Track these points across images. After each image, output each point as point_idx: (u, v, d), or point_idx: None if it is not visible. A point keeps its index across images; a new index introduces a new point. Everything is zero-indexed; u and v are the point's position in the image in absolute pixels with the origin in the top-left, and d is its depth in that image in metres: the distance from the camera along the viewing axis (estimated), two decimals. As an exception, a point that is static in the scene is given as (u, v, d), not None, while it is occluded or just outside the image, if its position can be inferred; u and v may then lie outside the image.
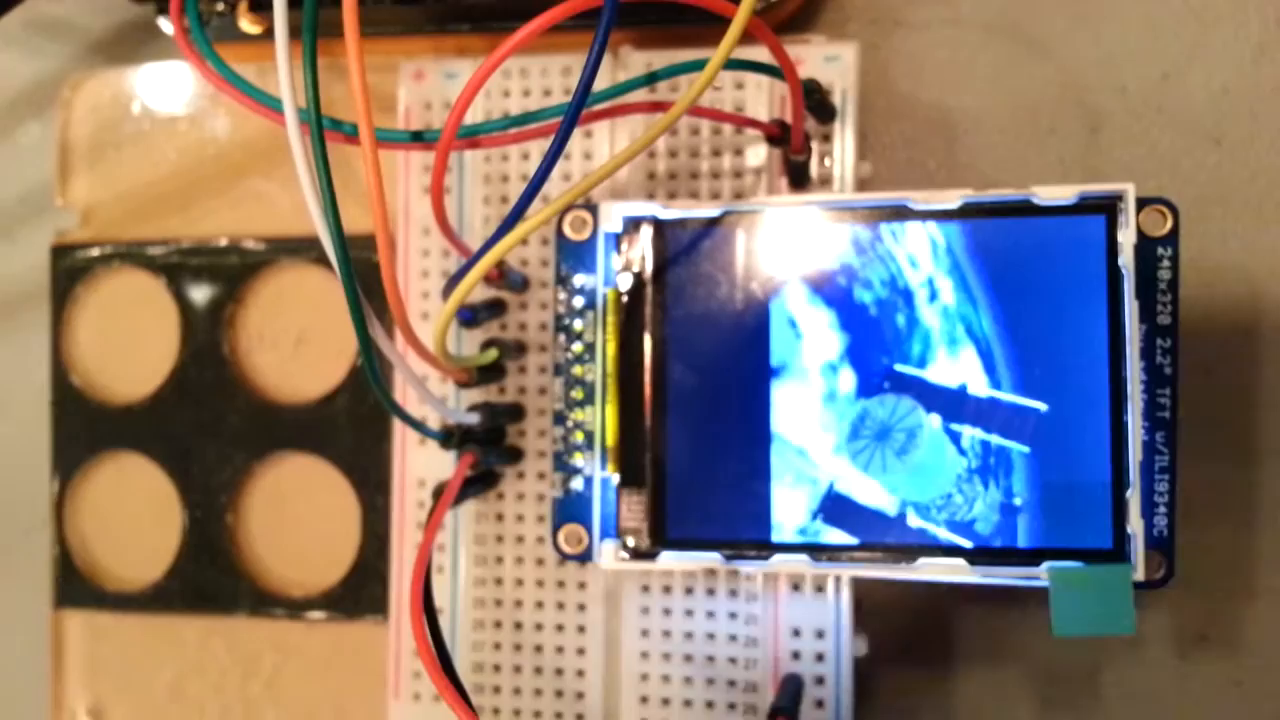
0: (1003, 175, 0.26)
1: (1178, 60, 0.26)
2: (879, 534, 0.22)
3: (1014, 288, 0.22)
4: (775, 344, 0.23)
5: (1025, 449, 0.22)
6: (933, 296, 0.22)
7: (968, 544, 0.22)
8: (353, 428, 0.28)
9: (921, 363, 0.22)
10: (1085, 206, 0.22)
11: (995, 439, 0.22)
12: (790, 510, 0.22)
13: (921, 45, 0.27)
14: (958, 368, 0.22)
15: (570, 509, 0.24)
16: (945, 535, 0.22)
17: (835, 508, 0.22)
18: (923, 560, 0.22)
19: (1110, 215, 0.21)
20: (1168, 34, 0.26)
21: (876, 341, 0.22)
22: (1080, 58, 0.26)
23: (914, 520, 0.22)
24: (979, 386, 0.22)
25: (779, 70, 0.22)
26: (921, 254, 0.22)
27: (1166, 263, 0.21)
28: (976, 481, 0.22)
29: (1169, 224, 0.21)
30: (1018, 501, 0.22)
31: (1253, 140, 0.26)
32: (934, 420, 0.22)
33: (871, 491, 0.22)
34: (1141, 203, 0.21)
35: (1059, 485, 0.21)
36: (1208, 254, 0.26)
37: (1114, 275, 0.21)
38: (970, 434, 0.22)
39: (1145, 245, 0.21)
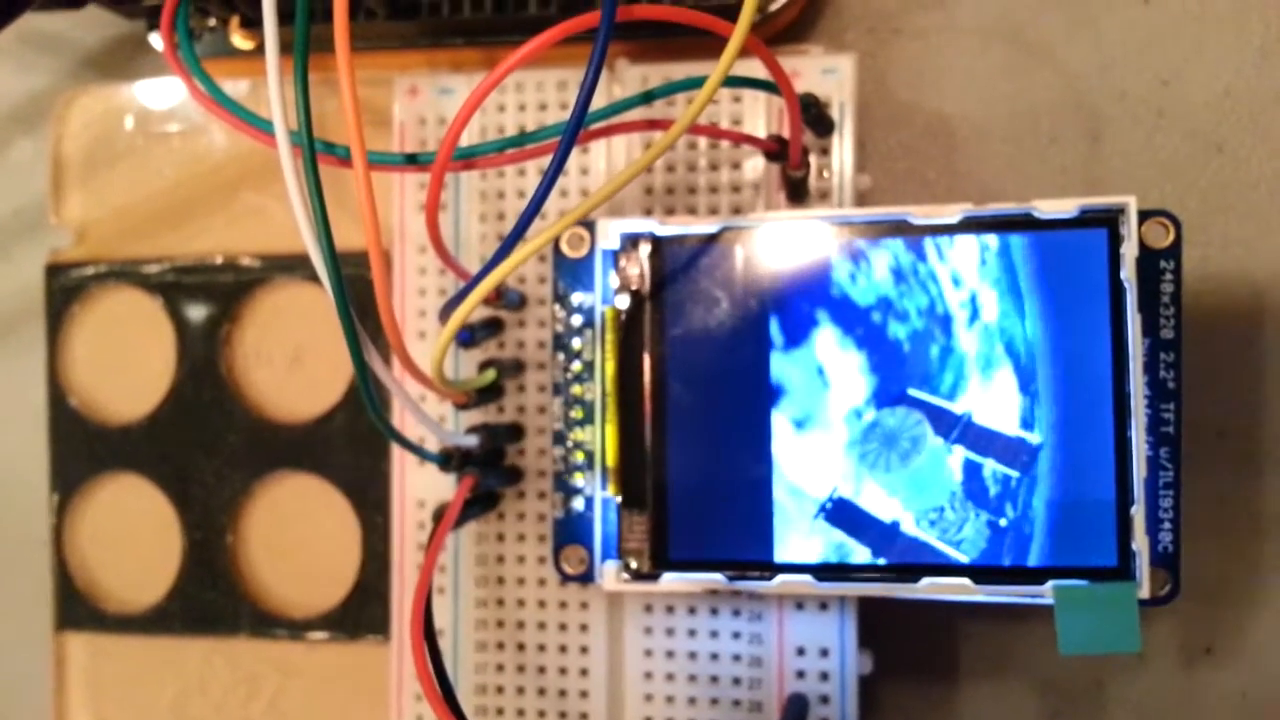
0: (1003, 184, 0.26)
1: (1178, 66, 0.26)
2: (874, 539, 0.22)
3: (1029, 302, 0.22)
4: (799, 395, 0.22)
5: (1016, 474, 0.21)
6: (974, 316, 0.22)
7: (961, 558, 0.22)
8: (351, 446, 0.28)
9: (952, 393, 0.22)
10: (1087, 219, 0.21)
11: (989, 463, 0.22)
12: (793, 522, 0.22)
13: (920, 53, 0.27)
14: (988, 394, 0.22)
15: (571, 529, 0.23)
16: (938, 546, 0.22)
17: (837, 511, 0.22)
18: (927, 580, 0.22)
19: (1112, 228, 0.21)
20: (1168, 40, 0.26)
21: (903, 371, 0.22)
22: (1080, 64, 0.26)
23: (909, 528, 0.22)
24: (993, 414, 0.22)
25: (776, 86, 0.21)
26: (967, 267, 0.22)
27: (1169, 275, 0.21)
28: (969, 502, 0.22)
29: (1171, 236, 0.21)
30: (1003, 523, 0.22)
31: (1254, 146, 0.26)
32: (937, 439, 0.22)
33: (872, 494, 0.22)
34: (1143, 215, 0.21)
35: (1056, 505, 0.21)
36: (1210, 261, 0.25)
37: (1116, 288, 0.21)
38: (967, 456, 0.22)
39: (1147, 258, 0.21)
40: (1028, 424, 0.21)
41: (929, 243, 0.22)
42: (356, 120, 0.18)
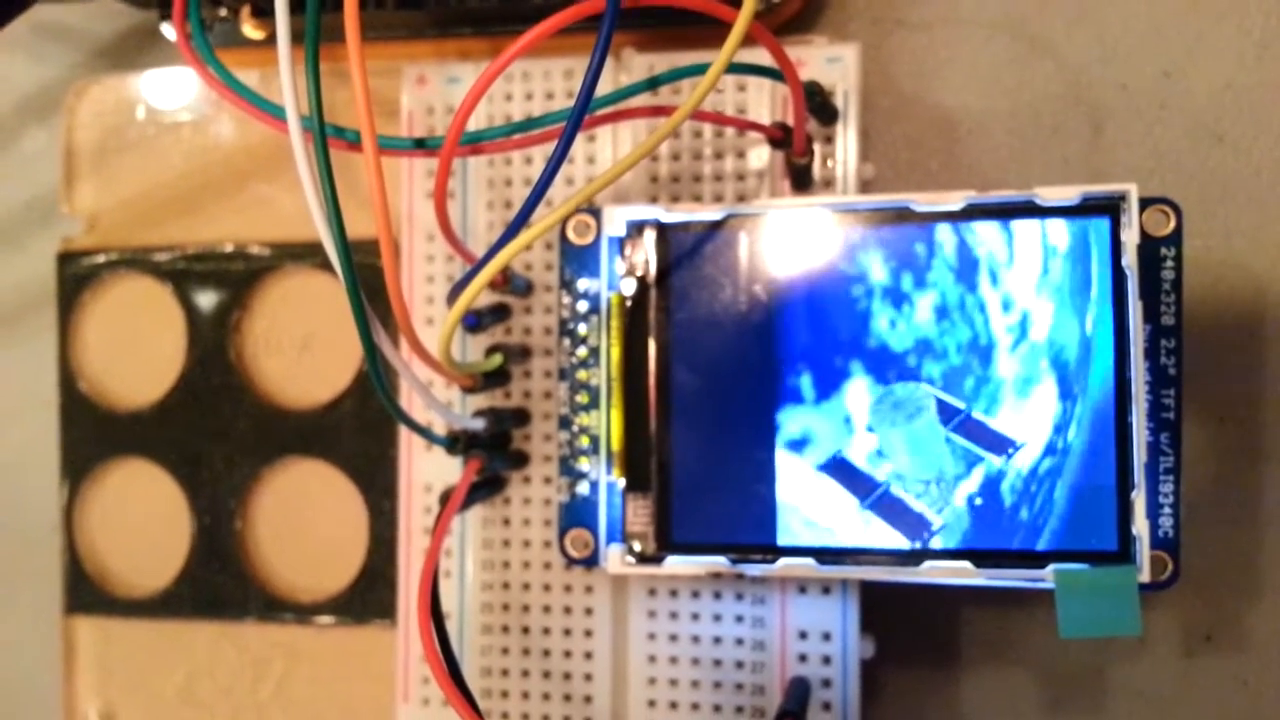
0: (1006, 175, 0.26)
1: (1179, 57, 0.26)
2: (864, 493, 0.22)
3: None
4: (827, 437, 0.22)
5: (1000, 460, 0.22)
6: (1022, 334, 0.22)
7: (936, 520, 0.22)
8: (359, 432, 0.28)
9: (989, 411, 0.22)
10: (1088, 207, 0.22)
11: (977, 450, 0.22)
12: (794, 498, 0.23)
13: (923, 45, 0.27)
14: (1023, 413, 0.22)
15: (576, 513, 0.24)
16: (920, 509, 0.22)
17: (835, 465, 0.22)
18: (929, 563, 0.22)
19: (1113, 215, 0.21)
20: (1169, 31, 0.26)
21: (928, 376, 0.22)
22: (1082, 56, 0.26)
23: (897, 490, 0.22)
24: (1024, 423, 0.22)
25: (780, 73, 0.22)
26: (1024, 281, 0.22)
27: (1170, 263, 0.21)
28: (955, 480, 0.22)
29: (1172, 224, 0.21)
30: (979, 502, 0.22)
31: (1255, 136, 0.26)
32: (938, 420, 0.22)
33: (870, 453, 0.22)
34: (1144, 203, 0.21)
35: (1050, 491, 0.21)
36: (1211, 251, 0.26)
37: (1118, 276, 0.21)
38: (958, 441, 0.22)
39: (1148, 245, 0.21)
40: (1062, 427, 0.21)
41: (983, 271, 0.22)
42: (366, 104, 0.18)
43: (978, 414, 0.22)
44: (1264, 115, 0.26)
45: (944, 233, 0.22)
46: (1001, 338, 0.22)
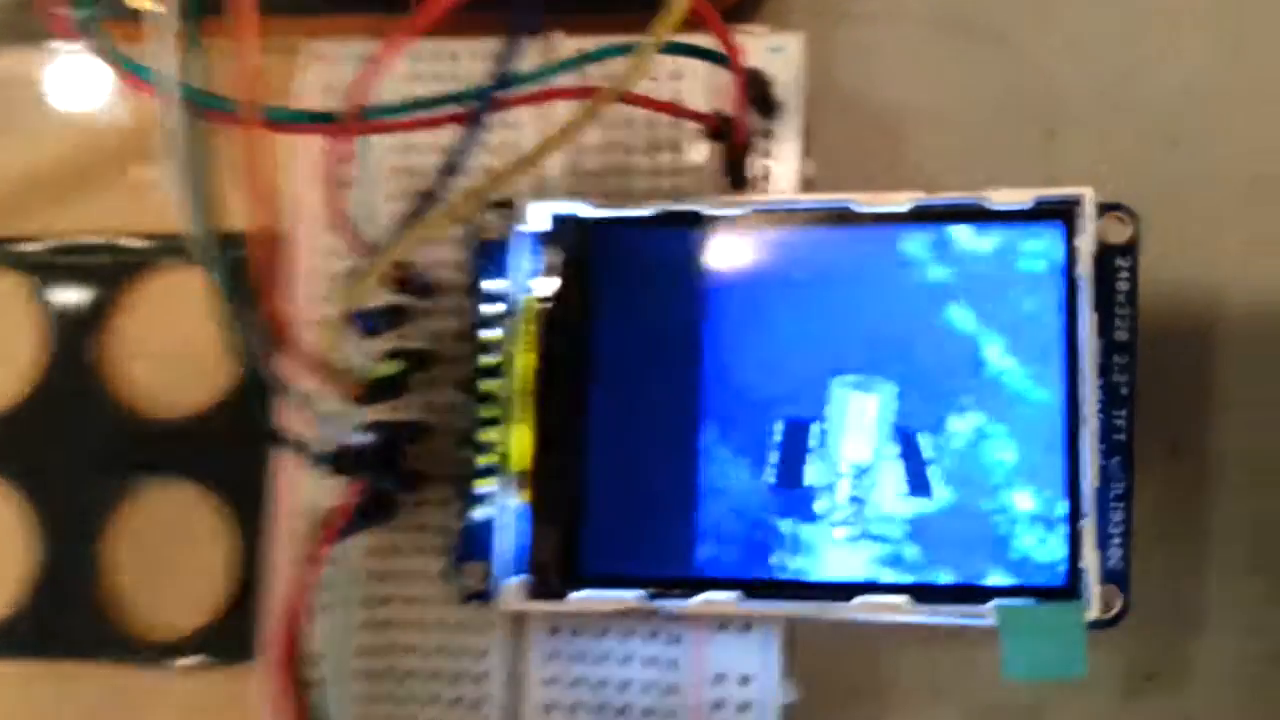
0: (954, 177, 0.25)
1: (1135, 59, 0.26)
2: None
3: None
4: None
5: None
6: None
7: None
8: (234, 449, 0.25)
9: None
10: (1041, 211, 0.21)
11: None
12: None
13: (868, 39, 0.26)
14: None
15: (474, 542, 0.22)
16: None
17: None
18: (861, 598, 0.20)
19: (1068, 221, 0.20)
20: (1126, 33, 0.26)
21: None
22: (1035, 54, 0.26)
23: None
24: None
25: (723, 56, 0.20)
26: None
27: (1125, 273, 0.20)
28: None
29: (1130, 231, 0.20)
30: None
31: (1211, 142, 0.25)
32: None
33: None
34: (1101, 208, 0.20)
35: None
36: (1166, 260, 0.25)
37: (1070, 286, 0.20)
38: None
39: (1104, 254, 0.20)
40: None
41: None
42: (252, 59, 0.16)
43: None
44: (1220, 119, 0.25)
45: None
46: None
